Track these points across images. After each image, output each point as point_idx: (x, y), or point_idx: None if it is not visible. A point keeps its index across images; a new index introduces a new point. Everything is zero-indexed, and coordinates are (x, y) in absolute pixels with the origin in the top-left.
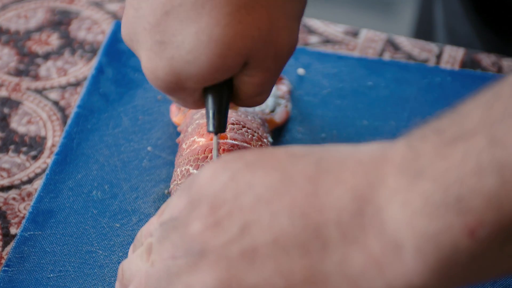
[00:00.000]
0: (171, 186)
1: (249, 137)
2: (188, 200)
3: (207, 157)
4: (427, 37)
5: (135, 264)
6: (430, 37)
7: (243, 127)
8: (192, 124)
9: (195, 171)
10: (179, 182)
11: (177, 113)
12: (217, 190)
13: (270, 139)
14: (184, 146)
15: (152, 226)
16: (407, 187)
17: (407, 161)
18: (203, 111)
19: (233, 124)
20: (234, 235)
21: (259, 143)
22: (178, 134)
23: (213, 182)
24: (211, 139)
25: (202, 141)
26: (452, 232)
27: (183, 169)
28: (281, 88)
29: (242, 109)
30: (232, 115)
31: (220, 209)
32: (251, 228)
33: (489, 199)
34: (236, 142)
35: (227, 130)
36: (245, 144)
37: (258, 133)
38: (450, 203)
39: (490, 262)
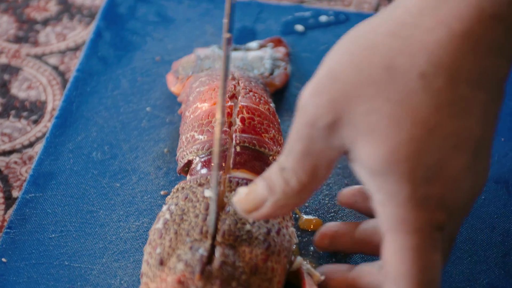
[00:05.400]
0: (178, 153)
1: (257, 100)
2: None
3: (211, 121)
4: None
5: None
6: None
7: (250, 91)
8: (193, 93)
9: (200, 136)
10: (185, 148)
11: (175, 83)
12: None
13: (272, 104)
14: (187, 113)
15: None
16: None
17: None
18: (202, 78)
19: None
20: None
21: (266, 106)
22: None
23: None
24: (214, 104)
25: (205, 106)
26: None
27: (188, 135)
28: (280, 50)
29: (240, 71)
30: (240, 79)
31: None
32: None
33: None
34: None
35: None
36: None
37: (264, 98)
38: None
39: None
